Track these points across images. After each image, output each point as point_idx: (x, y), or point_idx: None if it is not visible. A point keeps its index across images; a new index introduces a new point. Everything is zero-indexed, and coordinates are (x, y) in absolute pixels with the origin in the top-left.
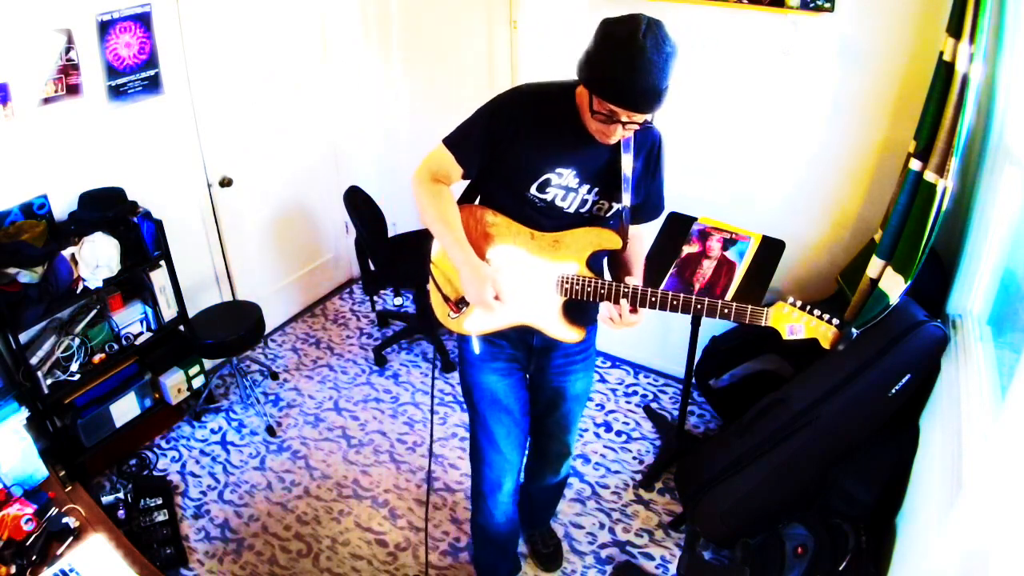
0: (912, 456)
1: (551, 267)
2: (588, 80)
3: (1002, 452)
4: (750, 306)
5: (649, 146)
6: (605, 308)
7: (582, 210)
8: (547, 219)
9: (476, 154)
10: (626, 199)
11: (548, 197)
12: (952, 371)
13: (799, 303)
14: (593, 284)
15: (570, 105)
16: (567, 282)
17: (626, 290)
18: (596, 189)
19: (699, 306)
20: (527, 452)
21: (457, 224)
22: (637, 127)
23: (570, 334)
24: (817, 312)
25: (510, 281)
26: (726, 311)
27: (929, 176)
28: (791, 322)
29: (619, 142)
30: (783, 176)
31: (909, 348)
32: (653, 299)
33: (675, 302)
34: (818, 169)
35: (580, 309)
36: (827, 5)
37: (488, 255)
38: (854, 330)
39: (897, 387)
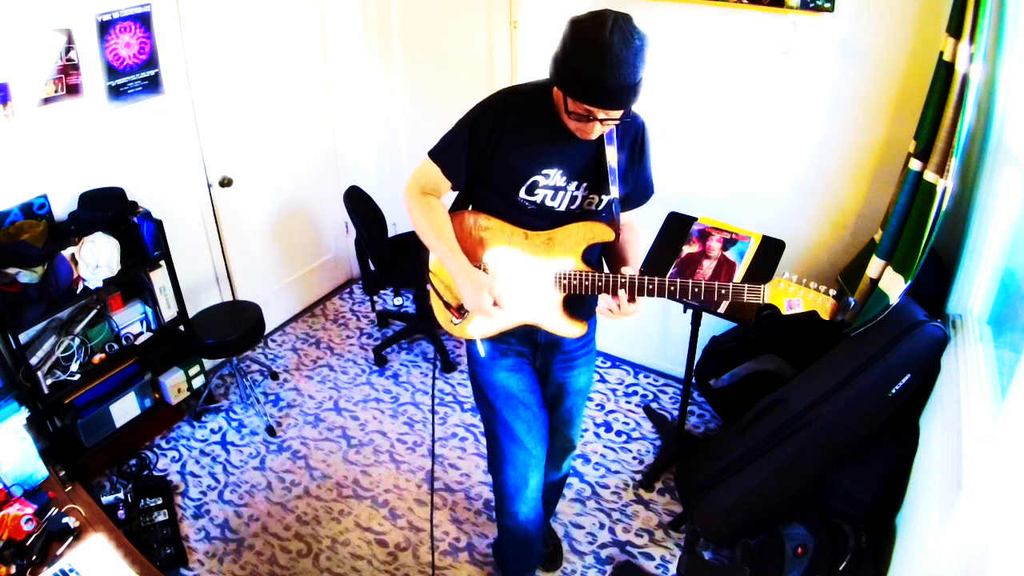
0: (912, 456)
1: (548, 265)
2: (560, 81)
3: (1002, 452)
4: (747, 284)
5: (633, 136)
6: (603, 299)
7: (572, 207)
8: (539, 220)
9: (462, 165)
10: (614, 191)
11: (537, 199)
12: (952, 371)
13: (795, 277)
14: (591, 278)
15: (549, 105)
16: (565, 278)
17: (623, 280)
18: (584, 184)
19: (696, 289)
20: None
21: (450, 234)
22: (615, 123)
23: (573, 329)
24: (814, 284)
25: (508, 283)
26: (723, 291)
27: (929, 176)
28: (789, 296)
29: (602, 135)
30: (783, 176)
31: (909, 348)
32: (651, 286)
33: (671, 287)
34: (818, 169)
35: (580, 303)
36: (827, 5)
37: (484, 259)
38: (851, 299)
39: (897, 387)
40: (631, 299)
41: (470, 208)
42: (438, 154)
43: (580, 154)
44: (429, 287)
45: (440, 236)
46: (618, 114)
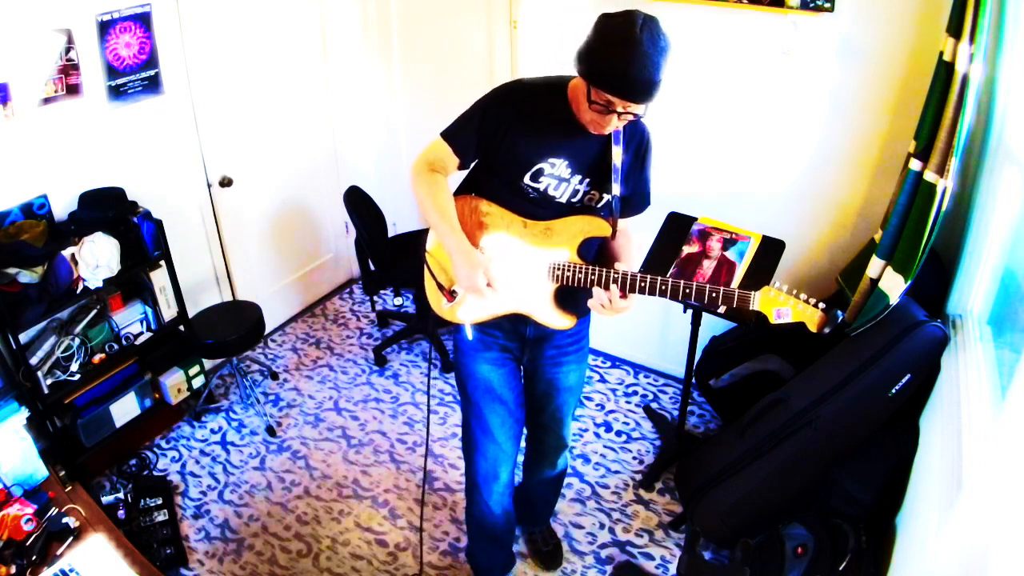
0: (912, 456)
1: (543, 254)
2: (587, 71)
3: (1002, 452)
4: (738, 289)
5: (638, 140)
6: (596, 294)
7: (574, 200)
8: (540, 209)
9: (472, 145)
10: (616, 189)
11: (541, 187)
12: (952, 371)
13: (785, 287)
14: (584, 270)
15: (562, 99)
16: (558, 269)
17: (616, 275)
18: (588, 180)
19: (687, 290)
20: (524, 448)
21: (452, 212)
22: (631, 118)
23: (561, 321)
24: (803, 296)
25: (503, 268)
26: (714, 295)
27: (929, 176)
28: (778, 306)
29: (610, 135)
30: (783, 176)
31: (909, 348)
32: (643, 283)
33: (663, 287)
34: (818, 169)
35: (572, 297)
36: (827, 5)
37: (481, 243)
38: (839, 312)
39: (897, 387)
40: (623, 295)
41: (473, 193)
42: (450, 133)
43: (587, 149)
44: (425, 268)
45: (442, 213)
46: (637, 109)
